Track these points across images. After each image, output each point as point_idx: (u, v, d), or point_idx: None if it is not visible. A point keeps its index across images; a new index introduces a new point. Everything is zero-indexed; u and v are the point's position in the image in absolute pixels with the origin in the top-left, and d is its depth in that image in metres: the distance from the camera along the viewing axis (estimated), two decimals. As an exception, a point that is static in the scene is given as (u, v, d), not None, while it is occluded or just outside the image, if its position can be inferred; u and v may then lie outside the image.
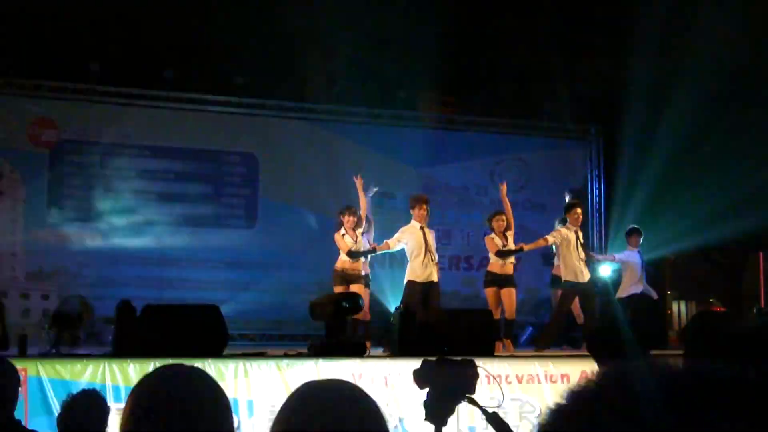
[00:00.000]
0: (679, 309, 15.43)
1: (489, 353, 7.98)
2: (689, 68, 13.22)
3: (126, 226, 11.03)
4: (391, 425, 6.53)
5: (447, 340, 7.83)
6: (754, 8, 12.40)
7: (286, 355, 7.57)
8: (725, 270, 15.62)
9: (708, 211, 13.14)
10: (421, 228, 9.39)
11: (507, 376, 7.46)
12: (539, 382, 7.57)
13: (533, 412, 7.35)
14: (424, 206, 9.44)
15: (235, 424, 1.76)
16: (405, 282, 9.43)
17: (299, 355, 7.60)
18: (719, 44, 12.55)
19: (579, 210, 9.89)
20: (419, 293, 9.23)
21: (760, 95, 13.39)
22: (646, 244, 10.91)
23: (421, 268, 9.25)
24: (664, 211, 12.44)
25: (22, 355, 6.98)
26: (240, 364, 6.97)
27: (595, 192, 13.30)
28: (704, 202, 13.15)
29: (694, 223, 13.08)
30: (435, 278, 9.41)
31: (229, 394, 1.77)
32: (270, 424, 1.53)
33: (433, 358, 2.45)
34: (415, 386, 2.50)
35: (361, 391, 1.56)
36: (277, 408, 1.54)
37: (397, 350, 7.79)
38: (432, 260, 9.34)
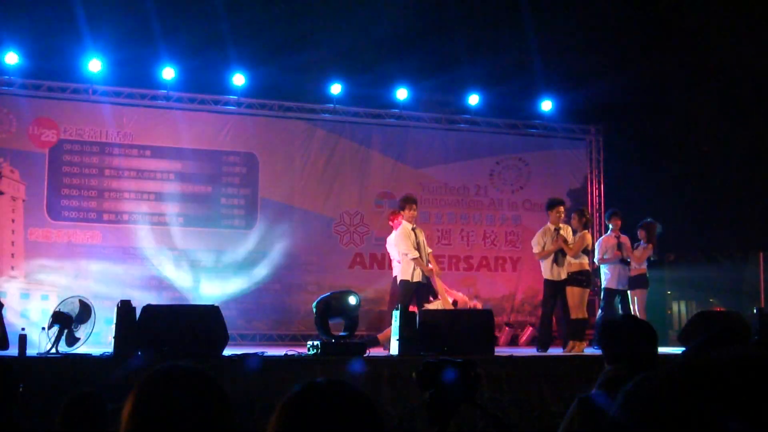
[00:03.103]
0: (679, 309, 15.42)
1: (489, 353, 7.98)
2: (690, 69, 13.21)
3: (126, 226, 11.03)
4: (390, 425, 6.54)
5: (447, 339, 7.84)
6: (753, 15, 12.40)
7: (286, 355, 7.58)
8: (725, 270, 15.60)
9: (708, 211, 13.14)
10: (413, 229, 9.49)
11: (508, 377, 7.46)
12: (539, 382, 7.57)
13: (533, 411, 7.35)
14: (415, 206, 9.58)
15: (235, 424, 1.76)
16: (398, 282, 9.50)
17: (299, 355, 7.61)
18: (720, 46, 12.55)
19: (561, 208, 10.10)
20: (413, 293, 9.31)
21: (760, 96, 13.38)
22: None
23: (414, 268, 9.35)
24: (664, 211, 12.43)
25: (22, 355, 6.98)
26: (240, 364, 6.98)
27: (595, 192, 13.29)
28: (704, 202, 13.15)
29: (694, 222, 13.08)
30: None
31: (229, 393, 1.76)
32: (269, 423, 1.53)
33: (435, 360, 2.43)
34: (416, 386, 2.50)
35: (361, 391, 1.55)
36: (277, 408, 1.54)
37: (398, 350, 7.79)
38: (423, 260, 9.41)
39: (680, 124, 13.89)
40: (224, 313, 7.57)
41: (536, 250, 10.03)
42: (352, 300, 8.04)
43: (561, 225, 10.09)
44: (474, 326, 8.28)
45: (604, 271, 10.41)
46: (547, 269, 9.95)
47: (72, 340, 7.54)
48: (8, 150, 10.76)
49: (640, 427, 0.93)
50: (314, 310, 7.99)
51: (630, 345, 3.18)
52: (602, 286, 10.46)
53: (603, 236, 10.80)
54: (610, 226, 10.56)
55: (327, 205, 12.10)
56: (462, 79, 12.68)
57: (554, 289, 9.91)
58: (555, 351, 9.72)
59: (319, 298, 8.18)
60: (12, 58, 10.70)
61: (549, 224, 10.10)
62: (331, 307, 7.93)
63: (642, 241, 10.51)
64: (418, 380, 2.39)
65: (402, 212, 9.62)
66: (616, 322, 3.52)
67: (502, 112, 12.98)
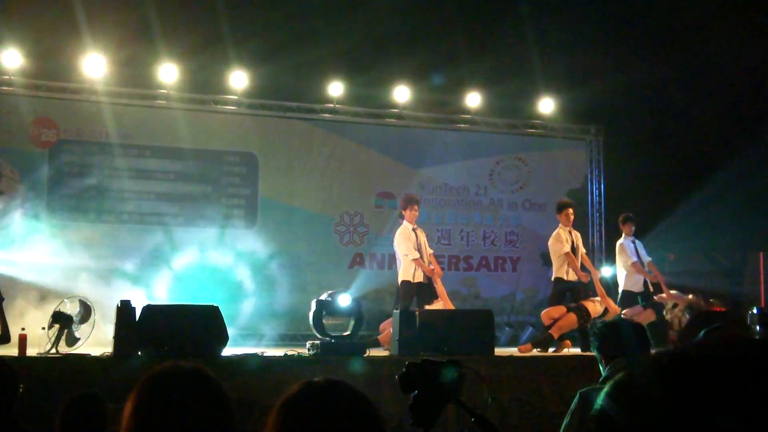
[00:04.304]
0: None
1: (489, 353, 7.98)
2: (690, 69, 13.20)
3: (125, 226, 11.03)
4: (390, 425, 6.54)
5: (447, 339, 7.84)
6: (753, 15, 12.40)
7: (285, 355, 7.58)
8: (725, 270, 15.60)
9: (708, 211, 13.13)
10: (414, 229, 9.48)
11: (508, 377, 7.46)
12: (539, 382, 7.57)
13: (533, 411, 7.35)
14: (416, 207, 9.55)
15: (235, 424, 1.76)
16: (400, 282, 9.49)
17: (299, 355, 7.61)
18: (721, 46, 12.54)
19: (570, 210, 9.94)
20: (414, 293, 9.31)
21: (760, 96, 13.38)
22: (647, 245, 10.93)
23: (415, 268, 9.33)
24: (664, 211, 12.44)
25: (22, 355, 6.98)
26: (240, 364, 6.98)
27: (595, 192, 13.29)
28: (705, 202, 13.14)
29: (695, 222, 13.08)
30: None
31: (229, 393, 1.76)
32: (268, 423, 1.53)
33: (418, 360, 2.41)
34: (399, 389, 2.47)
35: (359, 391, 1.56)
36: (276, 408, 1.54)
37: (398, 350, 7.79)
38: (424, 260, 9.40)
39: (680, 123, 13.89)
40: (224, 312, 7.58)
41: (566, 249, 9.72)
42: (346, 300, 8.04)
43: (571, 228, 9.93)
44: (474, 326, 8.28)
45: (622, 275, 10.41)
46: (563, 269, 9.77)
47: (72, 340, 7.54)
48: (8, 150, 10.76)
49: (625, 414, 0.93)
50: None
51: (622, 347, 3.18)
52: (620, 290, 10.43)
53: (619, 241, 10.66)
54: (624, 232, 10.52)
55: (327, 205, 12.10)
56: (462, 79, 12.68)
57: (564, 289, 9.81)
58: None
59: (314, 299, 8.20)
60: (12, 58, 10.70)
61: (561, 226, 9.93)
62: (326, 307, 7.94)
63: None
64: (399, 382, 2.36)
65: (404, 212, 9.60)
66: (608, 325, 3.53)
67: (502, 112, 12.98)
